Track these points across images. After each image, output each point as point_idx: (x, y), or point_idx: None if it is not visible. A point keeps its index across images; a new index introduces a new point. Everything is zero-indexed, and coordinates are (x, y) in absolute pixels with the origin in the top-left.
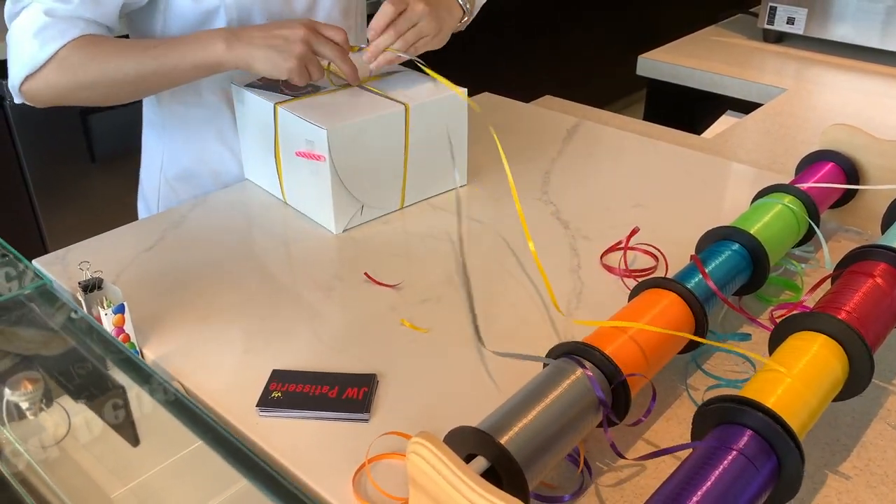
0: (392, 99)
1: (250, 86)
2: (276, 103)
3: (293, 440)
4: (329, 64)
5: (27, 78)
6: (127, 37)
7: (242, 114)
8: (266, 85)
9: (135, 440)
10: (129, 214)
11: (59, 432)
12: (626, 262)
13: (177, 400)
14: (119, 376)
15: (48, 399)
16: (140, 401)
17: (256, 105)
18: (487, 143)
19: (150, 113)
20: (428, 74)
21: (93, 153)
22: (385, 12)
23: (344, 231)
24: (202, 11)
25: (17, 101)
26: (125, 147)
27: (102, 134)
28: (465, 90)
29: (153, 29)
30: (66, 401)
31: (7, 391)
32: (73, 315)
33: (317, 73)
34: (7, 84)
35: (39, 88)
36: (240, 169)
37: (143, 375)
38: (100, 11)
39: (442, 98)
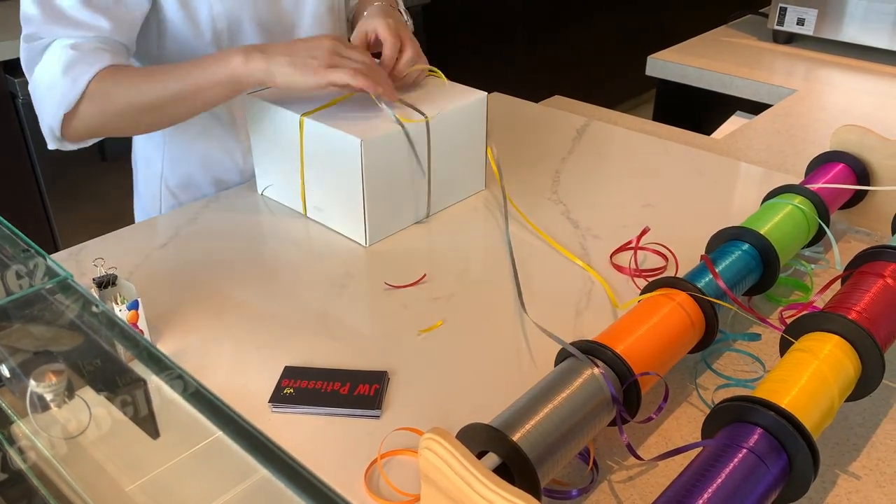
0: (412, 107)
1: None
2: (302, 114)
3: (305, 436)
4: None
5: (65, 117)
6: None
7: (258, 128)
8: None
9: (155, 433)
10: None
11: (79, 425)
12: (636, 261)
13: (197, 392)
14: (139, 369)
15: (70, 391)
16: (160, 393)
17: (278, 117)
18: (505, 145)
19: None
20: (442, 81)
21: (103, 151)
22: (388, 54)
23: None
24: (192, 23)
25: (52, 146)
26: None
27: None
28: (485, 94)
29: (150, 47)
30: (87, 394)
31: (32, 382)
32: (94, 309)
33: (349, 71)
34: (17, 83)
35: (76, 126)
36: (240, 176)
37: (164, 367)
38: (125, 29)
39: (461, 106)
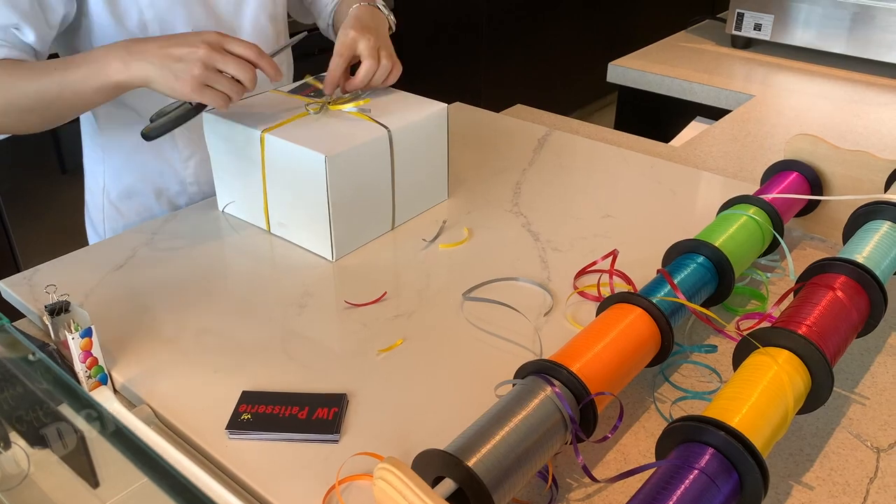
0: (374, 121)
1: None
2: (262, 130)
3: (263, 462)
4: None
5: None
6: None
7: (217, 144)
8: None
9: (94, 482)
10: None
11: (17, 474)
12: (599, 289)
13: (134, 444)
14: (77, 418)
15: (6, 442)
16: (99, 443)
17: (237, 133)
18: (466, 156)
19: (90, 132)
20: (401, 92)
21: (63, 164)
22: (366, 70)
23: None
24: (124, 29)
25: None
26: None
27: (72, 144)
28: (446, 106)
29: (81, 50)
30: (23, 442)
31: None
32: (30, 357)
33: (221, 97)
34: None
35: None
36: (180, 185)
37: (102, 417)
38: (40, 28)
39: (423, 117)
